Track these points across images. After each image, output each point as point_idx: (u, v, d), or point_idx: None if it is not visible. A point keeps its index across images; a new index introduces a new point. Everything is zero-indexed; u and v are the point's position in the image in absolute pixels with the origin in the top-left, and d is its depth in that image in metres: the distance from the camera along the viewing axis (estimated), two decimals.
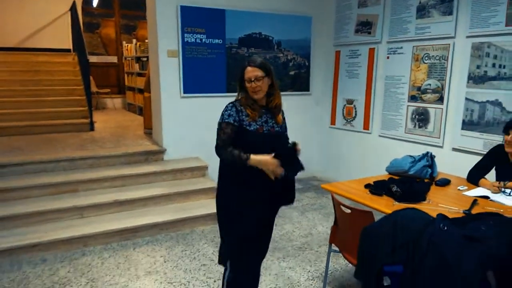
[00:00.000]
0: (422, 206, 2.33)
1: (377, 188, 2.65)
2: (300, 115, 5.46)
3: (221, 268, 3.02)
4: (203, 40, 4.64)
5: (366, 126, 4.84)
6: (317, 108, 5.53)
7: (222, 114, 2.10)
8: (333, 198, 2.55)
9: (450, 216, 1.86)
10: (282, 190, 2.19)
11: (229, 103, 2.14)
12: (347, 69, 5.06)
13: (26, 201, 3.70)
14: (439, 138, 4.00)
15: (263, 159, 1.98)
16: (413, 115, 4.27)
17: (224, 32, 4.75)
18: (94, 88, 8.32)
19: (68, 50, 8.11)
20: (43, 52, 7.70)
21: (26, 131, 5.54)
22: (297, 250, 3.50)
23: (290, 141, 2.15)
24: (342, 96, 5.18)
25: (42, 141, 5.08)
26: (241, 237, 2.15)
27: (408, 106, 4.31)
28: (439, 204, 2.42)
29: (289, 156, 2.04)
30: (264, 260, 3.23)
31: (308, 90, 5.48)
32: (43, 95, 6.28)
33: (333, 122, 5.36)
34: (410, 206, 2.20)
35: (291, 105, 5.35)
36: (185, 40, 4.54)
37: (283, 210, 4.43)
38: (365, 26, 4.74)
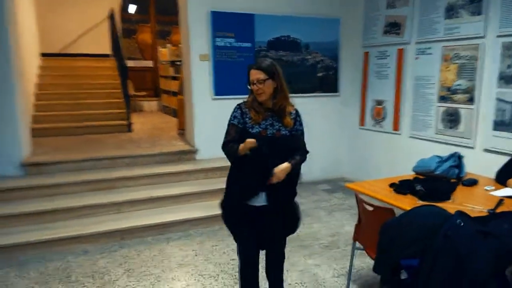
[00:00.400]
0: (446, 205, 2.35)
1: (401, 187, 2.69)
2: (328, 117, 5.52)
3: None
4: (233, 44, 4.80)
5: (395, 127, 4.84)
6: (345, 109, 5.56)
7: (230, 115, 2.19)
8: (356, 196, 2.62)
9: (473, 214, 1.90)
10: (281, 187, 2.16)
11: (236, 105, 2.21)
12: (376, 70, 5.07)
13: (68, 197, 3.99)
14: (470, 139, 3.95)
15: (247, 143, 2.05)
16: (443, 116, 4.23)
17: (253, 36, 4.90)
18: (131, 91, 8.70)
19: (107, 56, 8.52)
20: (84, 58, 8.15)
21: (69, 132, 5.91)
22: (324, 248, 3.58)
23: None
24: (371, 97, 5.19)
25: (84, 141, 5.42)
26: (227, 213, 2.30)
27: (438, 106, 4.28)
28: (463, 203, 2.44)
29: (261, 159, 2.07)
30: (291, 256, 3.36)
31: (336, 91, 5.53)
32: (84, 98, 6.66)
33: (362, 123, 5.37)
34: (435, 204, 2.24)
35: (320, 107, 5.45)
36: (216, 44, 4.73)
37: (311, 209, 4.52)
38: (393, 27, 4.75)
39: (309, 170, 5.45)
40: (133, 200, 4.03)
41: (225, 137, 2.18)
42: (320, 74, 5.39)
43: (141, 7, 9.60)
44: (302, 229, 3.94)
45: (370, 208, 2.42)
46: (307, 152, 2.30)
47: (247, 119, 2.15)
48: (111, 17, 7.64)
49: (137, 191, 4.17)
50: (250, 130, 2.13)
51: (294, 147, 2.19)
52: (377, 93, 5.08)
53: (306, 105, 5.23)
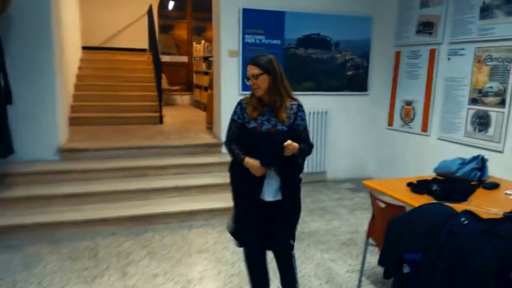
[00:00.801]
0: (461, 206, 2.34)
1: (418, 187, 2.69)
2: (356, 116, 5.50)
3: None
4: (262, 40, 4.89)
5: (424, 128, 4.76)
6: (374, 109, 5.52)
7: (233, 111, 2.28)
8: (371, 193, 2.64)
9: (487, 216, 1.89)
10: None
11: (239, 100, 2.29)
12: (406, 69, 5.01)
13: (101, 182, 4.22)
14: (499, 142, 3.85)
15: (251, 164, 2.15)
16: (473, 119, 4.14)
17: (283, 33, 4.96)
18: (165, 85, 8.99)
19: (144, 50, 8.85)
20: (123, 52, 8.51)
21: (105, 121, 6.21)
22: (341, 244, 3.61)
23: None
24: (400, 97, 5.13)
25: (118, 131, 5.69)
26: (235, 205, 2.36)
27: (468, 109, 4.19)
28: (481, 205, 2.41)
29: (273, 156, 2.13)
30: (307, 250, 3.42)
31: (366, 90, 5.50)
32: (120, 90, 6.97)
33: (390, 123, 5.32)
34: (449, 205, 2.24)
35: (347, 105, 5.45)
36: (245, 41, 4.83)
37: (333, 207, 4.54)
38: (426, 27, 4.67)
39: (334, 168, 5.50)
40: (160, 188, 4.21)
41: (227, 133, 2.27)
42: (349, 73, 5.37)
43: (179, 3, 9.88)
44: (321, 225, 4.01)
45: (383, 205, 2.45)
46: (312, 145, 2.30)
47: (245, 114, 2.21)
48: (149, 13, 7.94)
49: (165, 180, 4.36)
50: (247, 125, 2.20)
51: (276, 143, 2.11)
52: (407, 93, 5.01)
53: (333, 103, 5.32)
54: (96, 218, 3.77)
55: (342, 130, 5.48)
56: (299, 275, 2.98)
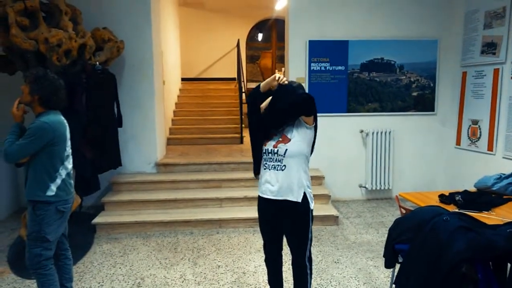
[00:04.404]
0: (480, 215, 2.54)
1: (447, 198, 2.92)
2: (423, 135, 5.61)
3: (315, 257, 3.66)
4: (327, 67, 5.39)
5: (490, 147, 4.73)
6: (442, 128, 5.57)
7: None
8: (397, 203, 2.95)
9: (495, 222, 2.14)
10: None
11: None
12: (472, 89, 5.03)
13: (185, 191, 5.07)
14: None
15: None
16: None
17: (346, 60, 5.40)
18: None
19: (233, 79, 9.91)
20: (214, 81, 9.66)
21: (195, 141, 7.22)
22: None
23: None
24: (467, 117, 5.14)
25: (204, 150, 6.60)
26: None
27: None
28: (503, 216, 2.58)
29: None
30: (354, 257, 3.76)
31: (433, 110, 5.59)
32: (209, 115, 7.99)
33: (458, 142, 5.32)
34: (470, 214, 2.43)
35: (414, 125, 5.60)
36: (311, 69, 5.38)
37: (391, 222, 4.72)
38: (490, 47, 4.70)
39: (399, 186, 5.63)
40: (232, 197, 4.90)
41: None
42: (415, 94, 5.55)
43: (265, 35, 10.86)
44: (374, 238, 4.27)
45: (404, 211, 2.75)
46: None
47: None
48: (238, 46, 8.97)
49: (236, 191, 5.05)
50: None
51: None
52: (473, 112, 5.02)
53: (398, 123, 5.52)
54: (179, 220, 4.58)
55: (408, 149, 5.62)
56: (340, 275, 3.37)
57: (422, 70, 5.52)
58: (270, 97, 2.47)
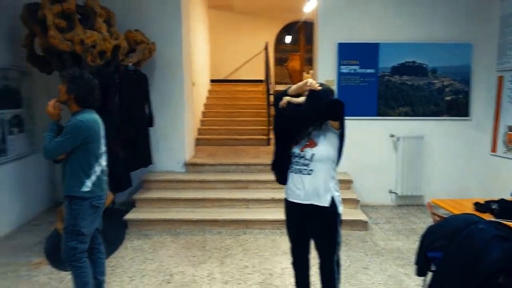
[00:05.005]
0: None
1: (482, 206, 2.84)
2: (456, 141, 5.47)
3: (343, 262, 3.63)
4: (357, 70, 5.33)
5: None
6: (477, 134, 5.40)
7: None
8: (430, 209, 2.89)
9: None
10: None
11: None
12: (509, 94, 4.86)
13: (213, 191, 5.14)
14: None
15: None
16: None
17: (377, 63, 5.33)
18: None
19: (261, 81, 9.94)
20: (243, 83, 9.73)
21: (223, 142, 7.29)
22: None
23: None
24: (504, 123, 4.97)
25: (232, 150, 6.66)
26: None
27: None
28: None
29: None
30: (384, 263, 3.72)
31: (467, 115, 5.43)
32: (237, 116, 8.05)
33: (494, 149, 5.15)
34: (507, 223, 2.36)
35: (447, 130, 5.48)
36: (341, 71, 5.34)
37: (422, 229, 4.62)
38: None
39: (431, 192, 5.48)
40: (259, 199, 4.93)
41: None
42: (448, 98, 5.41)
43: (293, 37, 10.85)
44: (405, 244, 4.20)
45: (437, 218, 2.69)
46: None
47: None
48: (266, 48, 9.00)
49: (263, 192, 5.06)
50: None
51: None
52: (511, 118, 4.84)
53: (431, 128, 5.40)
54: (207, 219, 4.64)
55: (440, 154, 5.48)
56: (369, 282, 3.33)
57: (455, 74, 5.37)
58: (287, 96, 2.45)
